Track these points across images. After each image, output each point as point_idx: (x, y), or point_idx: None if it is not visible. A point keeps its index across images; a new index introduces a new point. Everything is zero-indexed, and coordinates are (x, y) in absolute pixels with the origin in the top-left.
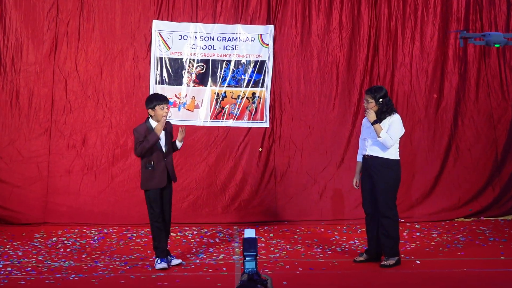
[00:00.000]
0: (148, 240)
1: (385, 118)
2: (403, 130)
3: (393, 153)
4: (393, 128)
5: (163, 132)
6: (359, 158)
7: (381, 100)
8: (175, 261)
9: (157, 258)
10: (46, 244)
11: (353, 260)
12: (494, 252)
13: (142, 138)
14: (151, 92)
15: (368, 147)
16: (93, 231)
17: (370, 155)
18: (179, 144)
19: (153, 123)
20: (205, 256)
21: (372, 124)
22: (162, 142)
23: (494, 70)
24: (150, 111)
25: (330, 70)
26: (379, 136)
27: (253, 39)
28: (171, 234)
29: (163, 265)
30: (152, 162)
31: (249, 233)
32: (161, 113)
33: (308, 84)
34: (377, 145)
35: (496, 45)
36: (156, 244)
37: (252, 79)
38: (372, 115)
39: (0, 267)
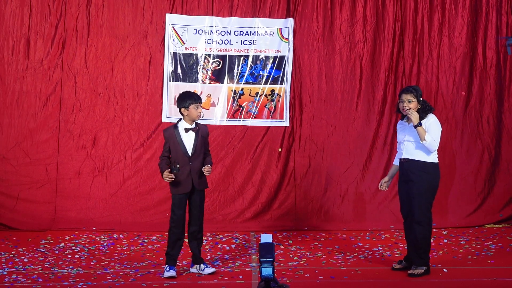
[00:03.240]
0: (161, 247)
1: (423, 118)
2: (441, 128)
3: (431, 156)
4: (433, 130)
5: (192, 134)
6: (395, 162)
7: (421, 99)
8: (208, 270)
9: (166, 266)
10: (53, 250)
11: (391, 267)
12: None
13: (165, 141)
14: (165, 90)
15: (404, 151)
16: (102, 237)
17: (407, 159)
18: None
19: (185, 124)
20: (220, 264)
21: (416, 126)
22: (189, 145)
23: None
24: (183, 110)
25: (353, 66)
26: (424, 140)
27: (272, 33)
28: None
29: (171, 273)
30: (178, 166)
31: (266, 238)
32: (195, 113)
33: (330, 80)
34: (413, 148)
35: None
36: (169, 250)
37: (271, 76)
38: (416, 117)
39: (5, 275)
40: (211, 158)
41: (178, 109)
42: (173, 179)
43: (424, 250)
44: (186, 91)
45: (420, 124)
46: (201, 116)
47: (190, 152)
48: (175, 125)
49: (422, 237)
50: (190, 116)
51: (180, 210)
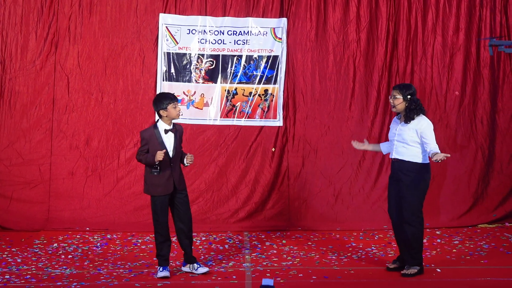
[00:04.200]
0: (154, 247)
1: (413, 118)
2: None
3: (421, 157)
4: (428, 136)
5: (171, 136)
6: (382, 144)
7: (409, 97)
8: (201, 269)
9: (159, 266)
10: (47, 251)
11: (386, 268)
12: None
13: (144, 143)
14: (158, 90)
15: (394, 150)
16: (96, 237)
17: (397, 159)
18: (185, 163)
19: (164, 125)
20: (213, 264)
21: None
22: (170, 146)
23: None
24: (162, 111)
25: (346, 65)
26: (436, 154)
27: (265, 33)
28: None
29: (165, 273)
30: (158, 167)
31: (267, 282)
32: (174, 112)
33: (323, 80)
34: (403, 148)
35: None
36: (158, 252)
37: (265, 75)
38: (440, 157)
39: None
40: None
41: (156, 111)
42: (164, 153)
43: (416, 250)
44: (160, 93)
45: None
46: (181, 114)
47: (171, 153)
48: (154, 126)
49: (414, 238)
50: (169, 116)
51: (163, 212)
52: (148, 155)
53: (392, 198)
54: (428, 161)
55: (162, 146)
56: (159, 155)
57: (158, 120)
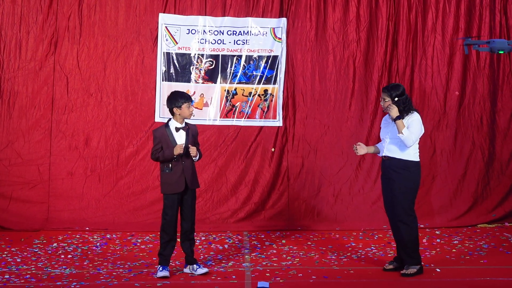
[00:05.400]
0: (153, 247)
1: (403, 118)
2: (423, 130)
3: (412, 154)
4: (412, 128)
5: (183, 134)
6: (379, 144)
7: (397, 98)
8: (200, 270)
9: (159, 266)
10: (46, 250)
11: (382, 268)
12: None
13: (157, 141)
14: (157, 90)
15: (386, 147)
16: (95, 237)
17: (388, 156)
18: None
19: (175, 123)
20: (213, 264)
21: (395, 120)
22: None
23: None
24: (176, 109)
25: (346, 65)
26: (400, 133)
27: (265, 33)
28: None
29: (164, 273)
30: (170, 165)
31: (262, 284)
32: (188, 111)
33: (323, 80)
34: (394, 145)
35: (500, 52)
36: (161, 251)
37: (264, 76)
38: (395, 111)
39: None
40: (201, 154)
41: (169, 109)
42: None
43: (412, 249)
44: (176, 91)
45: (398, 118)
46: (193, 115)
47: (182, 151)
48: (166, 125)
49: (409, 237)
50: (182, 115)
51: (173, 211)
52: (165, 150)
53: (386, 196)
54: (419, 159)
55: (174, 144)
56: (178, 148)
57: (170, 119)
